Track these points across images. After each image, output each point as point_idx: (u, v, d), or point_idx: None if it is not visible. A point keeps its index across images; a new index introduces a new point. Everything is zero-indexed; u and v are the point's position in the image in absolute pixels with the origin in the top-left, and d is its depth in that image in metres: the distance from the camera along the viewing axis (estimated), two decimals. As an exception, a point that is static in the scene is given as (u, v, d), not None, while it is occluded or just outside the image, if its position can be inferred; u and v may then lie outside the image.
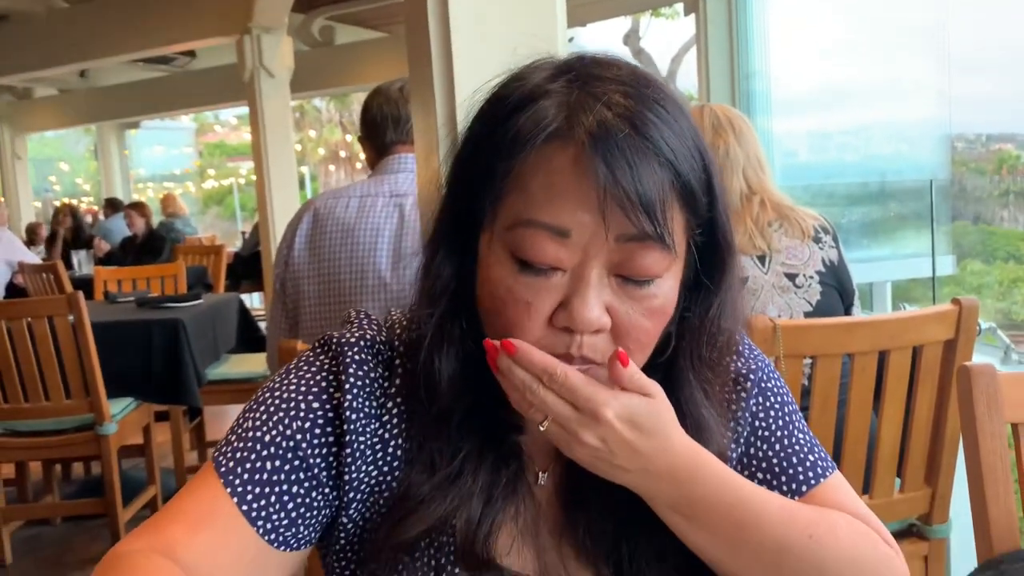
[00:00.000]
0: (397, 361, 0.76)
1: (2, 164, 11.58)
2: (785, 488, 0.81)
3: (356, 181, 2.04)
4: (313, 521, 0.74)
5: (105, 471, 3.12)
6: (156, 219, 8.04)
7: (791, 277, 1.84)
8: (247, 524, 0.71)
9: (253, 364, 3.81)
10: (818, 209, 1.98)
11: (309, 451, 0.73)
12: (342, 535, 0.77)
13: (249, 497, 0.71)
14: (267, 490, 0.71)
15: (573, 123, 0.64)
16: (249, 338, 4.16)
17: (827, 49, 3.40)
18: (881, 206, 3.70)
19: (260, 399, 0.76)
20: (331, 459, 0.74)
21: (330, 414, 0.74)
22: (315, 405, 0.74)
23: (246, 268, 7.05)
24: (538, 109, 0.66)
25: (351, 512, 0.76)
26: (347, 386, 0.74)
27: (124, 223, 7.50)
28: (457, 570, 0.74)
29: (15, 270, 5.78)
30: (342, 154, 19.49)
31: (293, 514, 0.73)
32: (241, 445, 0.73)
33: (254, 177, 5.81)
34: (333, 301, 1.89)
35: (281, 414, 0.73)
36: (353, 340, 0.76)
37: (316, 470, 0.73)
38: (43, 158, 16.64)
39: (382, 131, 1.99)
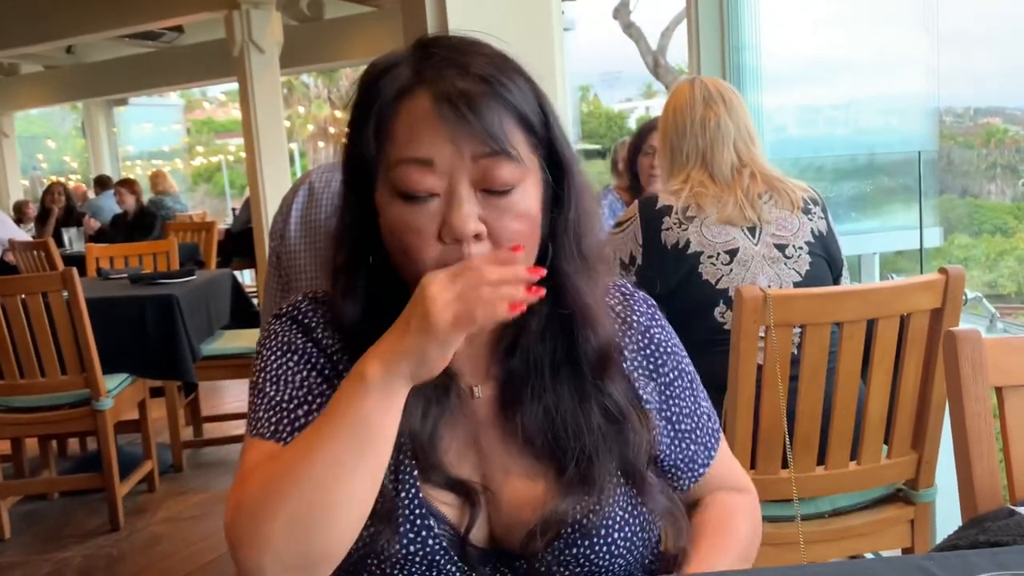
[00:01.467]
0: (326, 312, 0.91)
1: (-11, 142, 11.50)
2: (705, 455, 0.98)
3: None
4: None
5: (102, 446, 3.14)
6: (146, 196, 7.99)
7: (781, 248, 1.86)
8: None
9: (247, 340, 3.81)
10: (807, 183, 2.00)
11: (316, 390, 0.87)
12: None
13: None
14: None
15: (422, 78, 0.82)
16: (243, 314, 4.16)
17: (818, 21, 3.39)
18: (870, 179, 3.72)
19: (261, 375, 0.89)
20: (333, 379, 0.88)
21: (312, 348, 0.89)
22: (302, 345, 0.89)
23: (237, 245, 7.04)
24: (394, 74, 0.83)
25: None
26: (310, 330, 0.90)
27: (113, 201, 7.45)
28: (412, 466, 0.85)
29: (5, 248, 5.75)
30: (331, 130, 19.38)
31: None
32: (273, 412, 0.85)
33: (243, 154, 5.79)
34: (327, 274, 1.90)
35: (283, 370, 0.88)
36: (285, 305, 0.94)
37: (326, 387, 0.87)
38: (29, 135, 16.49)
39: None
